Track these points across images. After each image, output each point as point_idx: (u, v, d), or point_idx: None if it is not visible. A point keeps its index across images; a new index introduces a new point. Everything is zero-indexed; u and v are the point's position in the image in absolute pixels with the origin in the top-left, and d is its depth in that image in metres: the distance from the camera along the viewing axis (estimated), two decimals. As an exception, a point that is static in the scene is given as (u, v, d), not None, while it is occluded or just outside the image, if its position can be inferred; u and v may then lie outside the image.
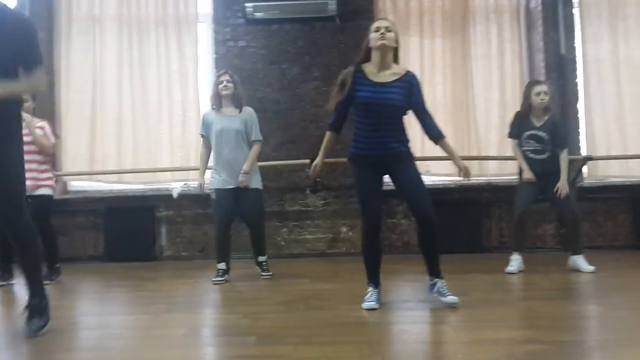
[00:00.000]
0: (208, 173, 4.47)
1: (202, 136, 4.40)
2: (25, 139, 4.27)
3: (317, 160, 3.33)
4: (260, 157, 5.12)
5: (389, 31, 3.09)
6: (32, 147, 4.37)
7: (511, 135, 4.57)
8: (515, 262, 4.42)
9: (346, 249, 5.83)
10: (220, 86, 4.31)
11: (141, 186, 6.03)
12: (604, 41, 5.96)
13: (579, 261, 4.34)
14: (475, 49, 6.05)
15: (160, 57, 6.04)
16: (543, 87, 4.45)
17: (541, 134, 4.42)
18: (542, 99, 4.39)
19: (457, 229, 5.48)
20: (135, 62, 6.05)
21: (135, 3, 6.07)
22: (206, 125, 4.34)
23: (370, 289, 3.20)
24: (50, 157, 4.66)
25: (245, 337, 2.59)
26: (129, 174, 5.98)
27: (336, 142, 3.31)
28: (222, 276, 4.22)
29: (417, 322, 2.90)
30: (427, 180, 3.37)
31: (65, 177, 6.11)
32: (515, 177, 5.66)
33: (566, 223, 4.57)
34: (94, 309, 3.65)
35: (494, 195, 5.87)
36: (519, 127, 4.51)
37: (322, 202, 5.88)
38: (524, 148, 4.48)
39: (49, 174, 4.51)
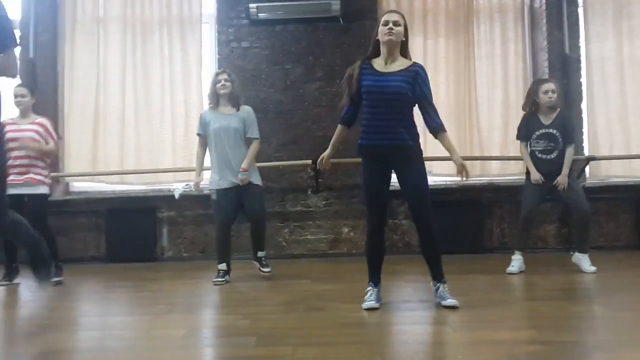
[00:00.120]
0: (205, 173, 4.48)
1: (199, 135, 4.40)
2: (18, 135, 4.35)
3: (326, 152, 3.34)
4: (262, 157, 5.14)
5: (398, 25, 3.07)
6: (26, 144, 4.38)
7: (519, 137, 4.54)
8: (516, 262, 4.40)
9: (347, 250, 5.83)
10: (218, 85, 4.32)
11: (143, 187, 6.05)
12: (609, 40, 5.93)
13: (583, 260, 4.33)
14: (479, 49, 6.03)
15: (164, 58, 6.06)
16: (551, 85, 4.41)
17: (552, 131, 4.38)
18: (550, 97, 4.35)
19: (459, 229, 5.47)
20: (138, 63, 6.07)
21: (139, 4, 6.09)
22: (204, 124, 4.35)
23: (370, 287, 3.21)
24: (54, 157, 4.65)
25: (245, 338, 2.60)
26: (131, 175, 5.99)
27: (346, 136, 3.32)
28: (222, 277, 4.23)
29: (417, 323, 2.89)
30: (429, 180, 3.32)
31: (67, 178, 6.13)
32: (518, 177, 5.68)
33: (576, 221, 4.52)
34: (95, 310, 3.66)
35: (496, 195, 5.85)
36: (527, 128, 4.48)
37: (323, 202, 5.87)
38: (534, 148, 4.44)
39: (45, 172, 4.50)
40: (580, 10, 5.97)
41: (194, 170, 5.26)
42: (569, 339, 2.50)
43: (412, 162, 3.13)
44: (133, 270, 5.14)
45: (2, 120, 2.75)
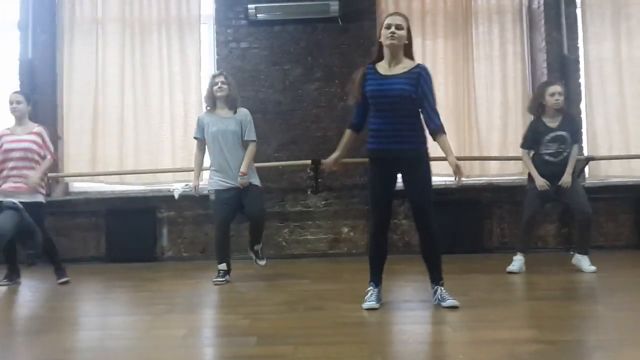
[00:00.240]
0: (204, 173, 4.48)
1: (196, 138, 4.40)
2: (16, 145, 4.36)
3: (334, 154, 3.33)
4: (261, 157, 5.14)
5: (400, 29, 3.06)
6: (25, 154, 4.37)
7: (525, 145, 4.47)
8: (517, 262, 4.41)
9: (347, 250, 5.83)
10: (215, 87, 4.32)
11: (142, 187, 6.05)
12: (607, 41, 5.94)
13: (582, 261, 4.33)
14: (477, 50, 6.04)
15: (163, 59, 6.06)
16: (557, 88, 4.37)
17: (562, 133, 4.34)
18: (556, 100, 4.32)
19: (459, 229, 5.49)
20: (137, 64, 6.07)
21: (138, 5, 6.09)
22: (201, 128, 4.35)
23: (371, 287, 3.21)
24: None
25: (246, 338, 2.60)
26: (130, 175, 5.99)
27: (354, 140, 3.32)
28: (223, 277, 4.23)
29: (418, 323, 2.90)
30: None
31: (67, 179, 6.13)
32: (517, 177, 5.69)
33: (578, 222, 4.52)
34: (95, 310, 3.65)
35: (495, 195, 5.86)
36: (534, 136, 4.41)
37: (323, 202, 5.88)
38: (544, 152, 4.37)
39: (41, 182, 4.46)
40: (579, 11, 5.99)
41: (193, 171, 5.28)
42: (570, 338, 2.50)
43: (418, 165, 3.13)
44: (133, 270, 5.14)
45: None
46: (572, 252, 4.51)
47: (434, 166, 5.61)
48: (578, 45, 5.95)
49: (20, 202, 4.27)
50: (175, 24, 6.08)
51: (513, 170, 5.86)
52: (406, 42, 3.11)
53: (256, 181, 4.38)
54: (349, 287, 3.85)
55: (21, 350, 2.56)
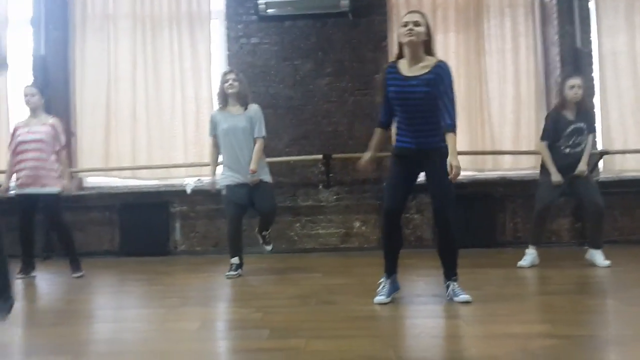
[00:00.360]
0: (219, 170, 4.51)
1: (211, 136, 4.44)
2: (30, 136, 4.42)
3: (367, 154, 3.34)
4: (273, 152, 5.15)
5: (418, 25, 3.03)
6: (39, 145, 4.43)
7: (546, 137, 4.41)
8: (529, 256, 4.39)
9: (359, 244, 5.83)
10: (226, 85, 4.34)
11: (155, 182, 6.09)
12: (621, 34, 5.87)
13: (596, 255, 4.30)
14: (489, 44, 5.99)
15: (174, 54, 6.09)
16: (577, 81, 4.32)
17: (580, 125, 4.32)
18: (575, 93, 4.27)
19: (471, 223, 5.47)
20: (149, 60, 6.10)
21: (149, 1, 6.12)
22: (214, 125, 4.39)
23: (383, 279, 3.22)
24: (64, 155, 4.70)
25: (258, 331, 2.61)
26: (143, 170, 6.04)
27: (385, 138, 3.36)
28: (235, 270, 4.26)
29: (430, 317, 2.89)
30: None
31: (80, 174, 6.19)
32: (530, 171, 5.65)
33: (589, 216, 4.48)
34: (109, 303, 3.69)
35: (508, 189, 5.82)
36: (555, 128, 4.36)
37: (335, 197, 5.88)
38: (562, 144, 4.33)
39: (55, 172, 4.53)
40: (592, 4, 5.92)
41: (204, 166, 5.31)
42: (583, 333, 2.49)
43: (442, 163, 3.06)
44: (146, 264, 5.19)
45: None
46: (586, 247, 4.48)
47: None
48: (591, 38, 5.88)
49: (35, 194, 4.34)
50: (186, 20, 6.10)
51: (526, 164, 5.82)
52: (425, 38, 3.08)
53: (267, 177, 4.39)
54: (360, 281, 3.86)
55: (38, 342, 2.59)
